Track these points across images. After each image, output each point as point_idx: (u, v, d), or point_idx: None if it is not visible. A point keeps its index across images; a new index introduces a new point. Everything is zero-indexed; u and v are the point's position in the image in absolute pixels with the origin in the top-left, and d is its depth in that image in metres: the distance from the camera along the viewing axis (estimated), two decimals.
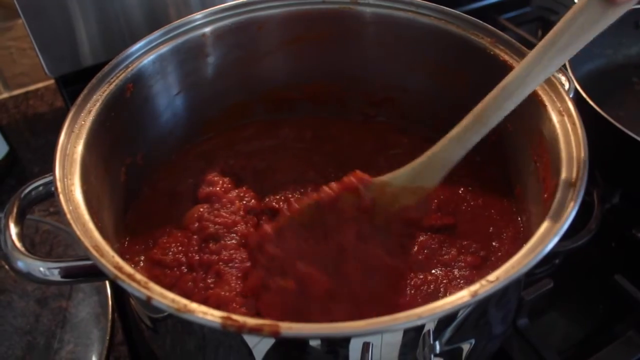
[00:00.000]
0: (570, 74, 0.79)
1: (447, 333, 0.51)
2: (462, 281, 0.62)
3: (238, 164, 0.76)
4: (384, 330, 0.42)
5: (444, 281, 0.62)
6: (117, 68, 0.65)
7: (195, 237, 0.64)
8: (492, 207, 0.70)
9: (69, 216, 0.49)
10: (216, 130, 0.82)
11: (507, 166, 0.71)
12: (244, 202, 0.69)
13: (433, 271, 0.63)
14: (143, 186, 0.73)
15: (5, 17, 1.14)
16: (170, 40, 0.70)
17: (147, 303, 0.43)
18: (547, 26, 1.32)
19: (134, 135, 0.70)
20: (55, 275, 0.53)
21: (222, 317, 0.41)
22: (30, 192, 0.58)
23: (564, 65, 0.87)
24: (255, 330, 0.41)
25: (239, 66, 0.78)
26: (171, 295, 0.43)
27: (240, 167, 0.76)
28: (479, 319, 0.55)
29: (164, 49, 0.69)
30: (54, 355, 0.71)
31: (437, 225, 0.67)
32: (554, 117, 0.59)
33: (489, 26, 0.70)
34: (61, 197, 0.51)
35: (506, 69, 0.66)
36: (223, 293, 0.58)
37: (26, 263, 0.52)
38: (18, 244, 0.53)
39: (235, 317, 0.41)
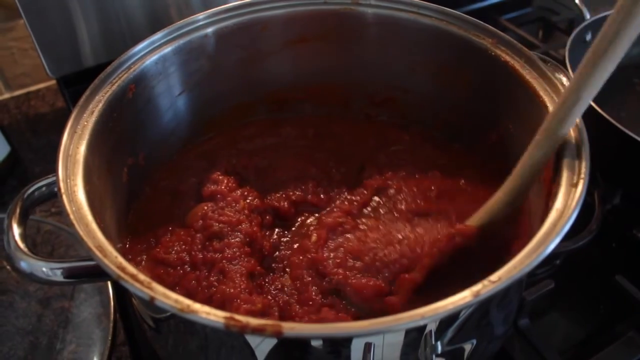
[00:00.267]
0: (571, 75, 0.79)
1: (449, 333, 0.52)
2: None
3: (240, 163, 0.77)
4: (386, 331, 0.42)
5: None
6: (120, 69, 0.65)
7: (198, 235, 0.64)
8: None
9: (72, 217, 0.50)
10: (218, 131, 0.82)
11: (508, 166, 0.71)
12: (248, 200, 0.69)
13: None
14: (145, 186, 0.73)
15: (6, 17, 1.14)
16: (172, 40, 0.70)
17: (150, 303, 0.43)
18: (547, 27, 1.33)
19: (136, 136, 0.70)
20: (58, 276, 0.53)
21: (225, 317, 0.41)
22: (33, 192, 0.58)
23: (565, 66, 0.87)
24: (258, 331, 0.41)
25: (242, 67, 0.78)
26: (174, 295, 0.43)
27: (242, 167, 0.76)
28: (480, 319, 0.55)
29: (166, 49, 0.69)
30: (56, 356, 0.71)
31: None
32: None
33: (490, 27, 0.70)
34: (64, 197, 0.51)
35: (507, 69, 0.66)
36: (228, 290, 0.58)
37: (29, 263, 0.52)
38: (21, 245, 0.53)
39: (238, 317, 0.41)
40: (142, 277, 0.45)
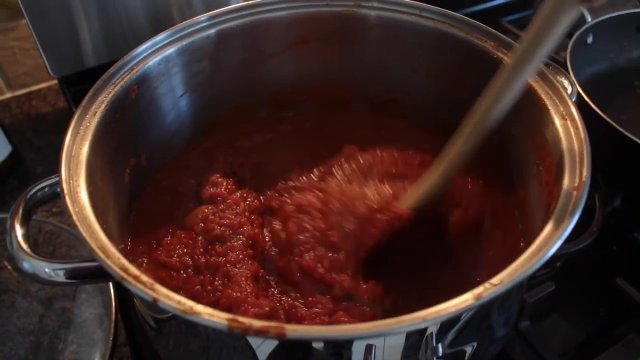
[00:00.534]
0: (573, 78, 0.79)
1: (450, 335, 0.52)
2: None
3: (237, 161, 0.77)
4: (388, 333, 0.42)
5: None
6: (123, 70, 0.65)
7: (200, 238, 0.64)
8: (494, 209, 0.70)
9: (75, 218, 0.50)
10: (219, 131, 0.82)
11: (510, 169, 0.71)
12: (248, 202, 0.70)
13: None
14: (147, 187, 0.73)
15: (9, 17, 1.14)
16: (175, 41, 0.70)
17: (153, 305, 0.43)
18: None
19: (138, 137, 0.70)
20: (61, 277, 0.53)
21: (228, 319, 0.41)
22: (35, 193, 0.58)
23: (567, 69, 0.87)
24: (261, 333, 0.41)
25: (244, 68, 0.78)
26: (177, 297, 0.43)
27: (239, 165, 0.77)
28: (481, 322, 0.55)
29: (169, 50, 0.69)
30: (57, 356, 0.71)
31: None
32: (557, 121, 0.59)
33: (493, 30, 0.70)
34: (67, 198, 0.51)
35: None
36: (234, 294, 0.57)
37: (32, 264, 0.52)
38: (24, 245, 0.53)
39: (241, 319, 0.41)
40: (145, 278, 0.45)
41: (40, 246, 0.83)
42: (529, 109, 0.63)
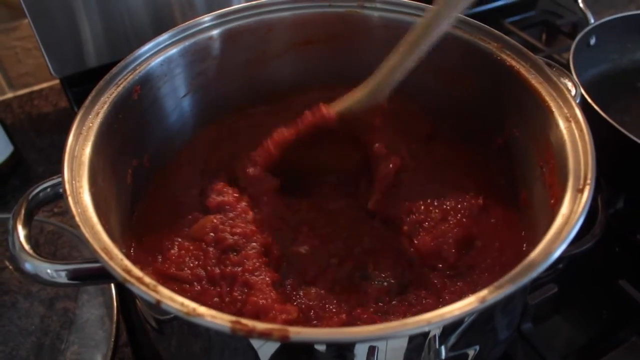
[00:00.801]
0: (576, 79, 0.79)
1: (453, 338, 0.51)
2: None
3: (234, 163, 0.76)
4: (392, 336, 0.42)
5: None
6: (125, 70, 0.65)
7: (211, 249, 0.62)
8: (496, 212, 0.70)
9: (77, 218, 0.49)
10: (220, 131, 0.81)
11: (513, 171, 0.71)
12: (255, 210, 0.68)
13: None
14: (149, 188, 0.73)
15: (10, 17, 1.14)
16: (178, 42, 0.70)
17: (156, 306, 0.43)
18: (551, 30, 1.33)
19: (141, 137, 0.70)
20: (63, 278, 0.53)
21: (232, 321, 0.41)
22: (37, 193, 0.58)
23: (569, 70, 0.87)
24: (264, 335, 0.41)
25: (247, 68, 0.78)
26: (180, 298, 0.43)
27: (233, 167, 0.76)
28: (484, 325, 0.55)
29: (172, 50, 0.69)
30: (58, 356, 0.71)
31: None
32: (561, 124, 0.59)
33: (496, 31, 0.70)
34: (70, 199, 0.51)
35: (512, 74, 0.66)
36: (260, 302, 0.56)
37: (34, 265, 0.52)
38: (26, 246, 0.53)
39: (244, 321, 0.41)
40: (147, 280, 0.45)
41: (41, 247, 0.83)
42: (533, 111, 0.63)
